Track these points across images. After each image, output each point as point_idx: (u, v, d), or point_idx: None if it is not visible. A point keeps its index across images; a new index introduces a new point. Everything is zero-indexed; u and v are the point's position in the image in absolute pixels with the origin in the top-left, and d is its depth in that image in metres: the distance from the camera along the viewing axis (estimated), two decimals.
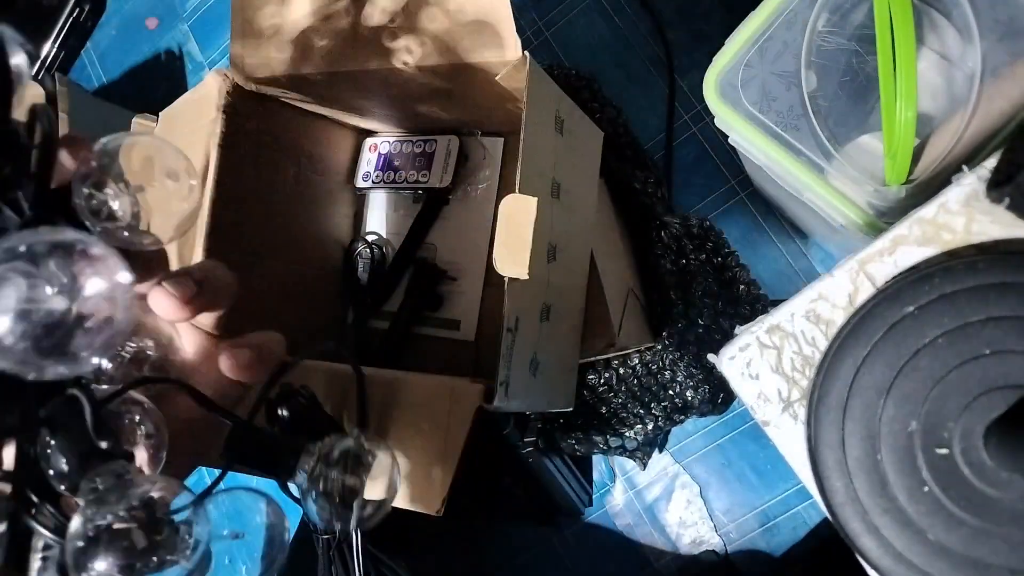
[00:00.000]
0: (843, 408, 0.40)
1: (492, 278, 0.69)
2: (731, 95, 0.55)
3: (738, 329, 0.46)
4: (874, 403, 0.40)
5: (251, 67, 0.56)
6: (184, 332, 0.36)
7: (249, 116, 0.59)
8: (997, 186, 0.40)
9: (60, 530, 0.27)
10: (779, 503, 0.87)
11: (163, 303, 0.32)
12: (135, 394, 0.31)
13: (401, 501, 0.44)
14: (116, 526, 0.26)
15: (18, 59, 0.28)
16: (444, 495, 0.43)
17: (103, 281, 0.25)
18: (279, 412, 0.40)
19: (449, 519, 0.45)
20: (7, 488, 0.27)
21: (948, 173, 0.44)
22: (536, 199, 0.45)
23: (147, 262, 0.33)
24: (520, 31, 0.46)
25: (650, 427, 0.86)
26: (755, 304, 0.84)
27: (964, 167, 0.42)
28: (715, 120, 0.58)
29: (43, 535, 0.27)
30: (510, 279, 0.45)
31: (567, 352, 0.58)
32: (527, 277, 0.44)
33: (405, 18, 0.50)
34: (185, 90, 0.56)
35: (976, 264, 0.39)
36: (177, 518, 0.28)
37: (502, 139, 0.69)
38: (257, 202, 0.61)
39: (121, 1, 1.30)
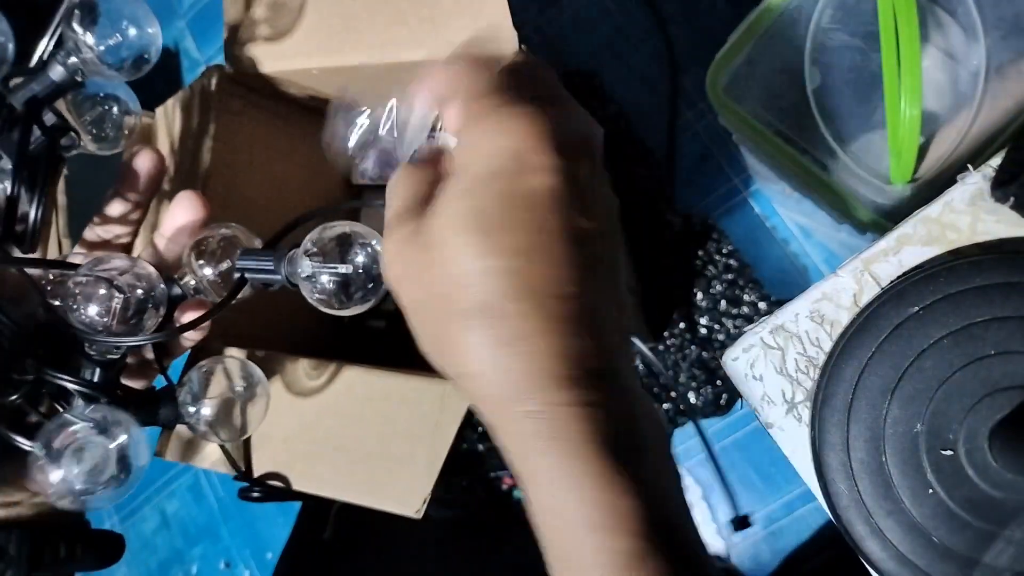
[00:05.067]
0: (847, 410, 0.40)
1: None
2: (734, 92, 0.55)
3: (741, 330, 0.46)
4: (879, 404, 0.39)
5: (247, 64, 0.56)
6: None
7: (245, 113, 0.59)
8: (1002, 185, 0.40)
9: None
10: (783, 506, 0.86)
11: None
12: None
13: (381, 502, 0.44)
14: None
15: None
16: (426, 496, 0.43)
17: None
18: None
19: (448, 520, 0.45)
20: None
21: (953, 172, 0.43)
22: None
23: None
24: (519, 27, 0.45)
25: None
26: (758, 304, 0.83)
27: (969, 166, 0.42)
28: (718, 117, 0.57)
29: None
30: None
31: None
32: None
33: (402, 13, 0.50)
34: (182, 87, 0.56)
35: (981, 264, 0.39)
36: None
37: None
38: (254, 199, 0.61)
39: None
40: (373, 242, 0.37)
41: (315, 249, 0.37)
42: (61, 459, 0.35)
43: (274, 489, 0.47)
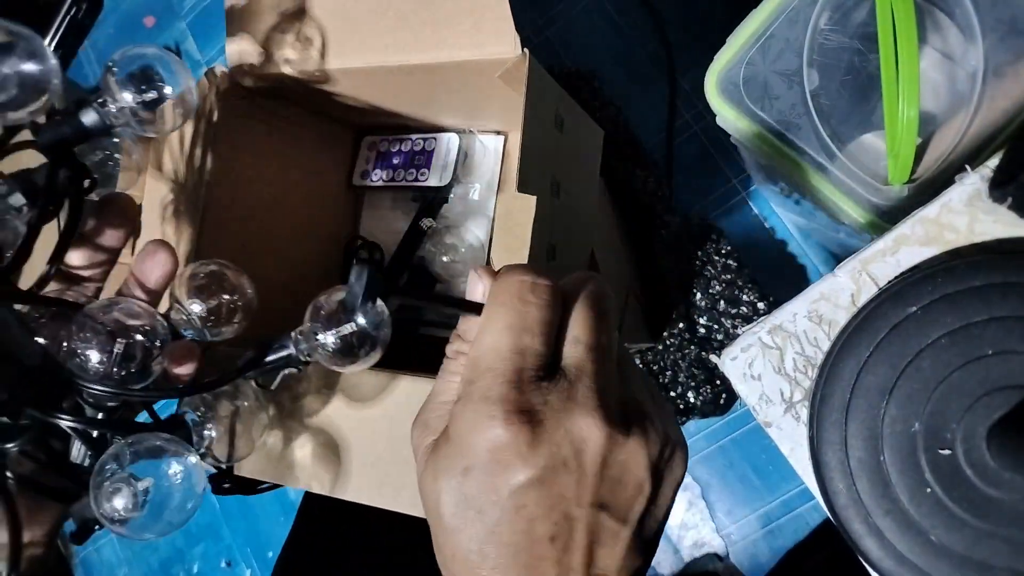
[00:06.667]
0: (845, 409, 0.40)
1: None
2: (733, 93, 0.55)
3: (740, 329, 0.46)
4: (877, 404, 0.40)
5: (249, 66, 0.56)
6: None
7: (247, 114, 0.59)
8: (1000, 186, 0.40)
9: None
10: (781, 505, 0.86)
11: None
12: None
13: (394, 503, 0.44)
14: None
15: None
16: None
17: None
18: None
19: None
20: None
21: (951, 172, 0.43)
22: (535, 198, 0.45)
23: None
24: (520, 29, 0.45)
25: None
26: (756, 304, 0.83)
27: (967, 166, 0.42)
28: (716, 119, 0.57)
29: None
30: None
31: None
32: None
33: (404, 16, 0.50)
34: None
35: (979, 264, 0.39)
36: None
37: (502, 137, 0.69)
38: (255, 201, 0.61)
39: None
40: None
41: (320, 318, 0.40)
42: (120, 486, 0.35)
43: (245, 481, 0.48)
